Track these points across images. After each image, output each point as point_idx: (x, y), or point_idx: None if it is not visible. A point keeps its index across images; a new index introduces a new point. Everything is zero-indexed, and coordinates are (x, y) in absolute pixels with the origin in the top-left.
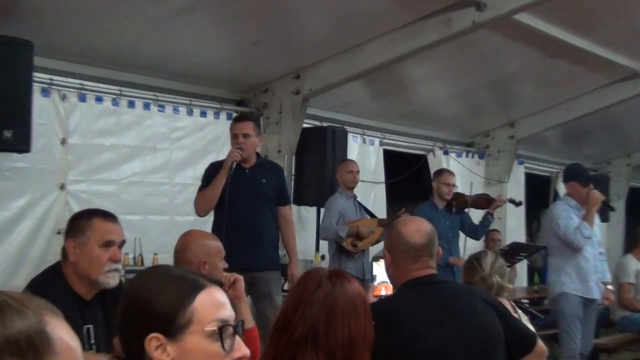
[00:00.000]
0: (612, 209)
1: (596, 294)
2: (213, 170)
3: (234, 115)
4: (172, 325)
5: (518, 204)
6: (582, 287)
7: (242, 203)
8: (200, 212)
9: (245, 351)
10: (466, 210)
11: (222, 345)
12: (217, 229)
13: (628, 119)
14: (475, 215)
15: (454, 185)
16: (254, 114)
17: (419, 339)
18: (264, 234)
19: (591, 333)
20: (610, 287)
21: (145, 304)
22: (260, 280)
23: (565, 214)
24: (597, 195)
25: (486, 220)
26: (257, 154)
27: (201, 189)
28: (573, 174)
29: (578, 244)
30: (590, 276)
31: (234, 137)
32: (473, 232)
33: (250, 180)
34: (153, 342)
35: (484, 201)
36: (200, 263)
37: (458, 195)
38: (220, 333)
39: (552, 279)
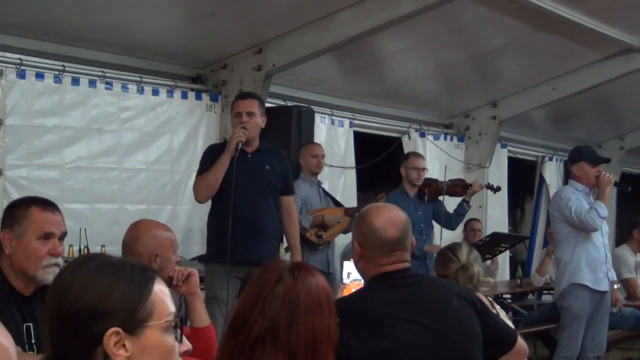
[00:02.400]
0: (626, 190)
1: (605, 287)
2: (212, 154)
3: (190, 93)
4: (132, 319)
5: (496, 190)
6: (592, 277)
7: (244, 191)
8: (201, 198)
9: (189, 345)
10: (440, 198)
11: (176, 338)
12: (214, 217)
13: (621, 98)
14: (451, 203)
15: (423, 169)
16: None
17: (388, 337)
18: (266, 226)
19: (604, 331)
20: (617, 286)
21: (98, 300)
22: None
23: (575, 196)
24: (607, 176)
25: (461, 208)
26: (261, 138)
27: (200, 173)
28: (581, 154)
29: (594, 224)
30: (600, 266)
31: (237, 115)
32: (448, 221)
33: (252, 166)
34: (113, 337)
35: (459, 188)
36: (151, 255)
37: (431, 182)
38: (175, 326)
39: (560, 272)
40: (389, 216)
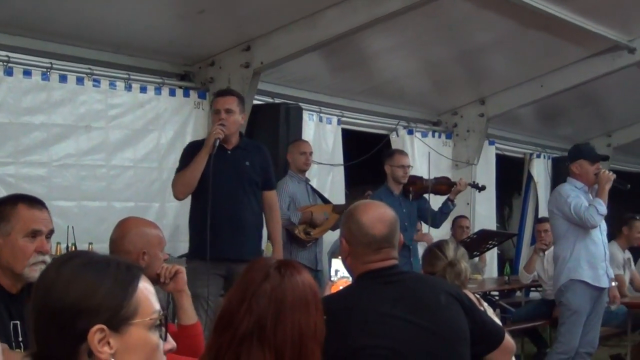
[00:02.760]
0: (625, 188)
1: (605, 283)
2: (192, 150)
3: (177, 90)
4: (117, 317)
5: (481, 189)
6: (592, 274)
7: (224, 188)
8: (179, 194)
9: (173, 343)
10: (425, 196)
11: (161, 336)
12: (194, 214)
13: (608, 95)
14: (436, 201)
15: (409, 167)
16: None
17: (376, 335)
18: (247, 222)
19: (597, 328)
20: (614, 283)
21: (83, 297)
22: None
23: (574, 193)
24: (607, 174)
25: (446, 207)
26: (240, 134)
27: (179, 170)
28: (580, 152)
29: (593, 221)
30: (599, 262)
31: (216, 112)
32: (432, 219)
33: (232, 162)
34: (97, 334)
35: (444, 186)
36: (139, 253)
37: (415, 180)
38: (160, 324)
39: (559, 268)
40: (377, 213)
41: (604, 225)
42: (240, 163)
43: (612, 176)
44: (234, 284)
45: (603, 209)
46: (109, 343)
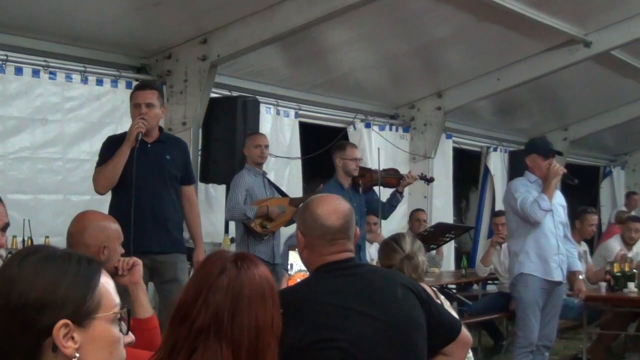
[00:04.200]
0: (574, 182)
1: (558, 276)
2: (112, 145)
3: (134, 83)
4: (81, 311)
5: (429, 181)
6: (542, 267)
7: (145, 181)
8: (101, 189)
9: (132, 337)
10: (375, 188)
11: (121, 330)
12: (116, 208)
13: (565, 89)
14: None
15: (360, 159)
16: (157, 83)
17: (332, 328)
18: (168, 216)
19: (554, 322)
20: (581, 277)
21: (46, 292)
22: (164, 265)
23: (524, 188)
24: (557, 168)
25: (395, 199)
26: (160, 128)
27: (99, 164)
28: (534, 146)
29: (535, 217)
30: (551, 256)
31: (136, 106)
32: (381, 211)
33: (153, 156)
34: (62, 329)
35: (393, 179)
36: (99, 247)
37: (365, 172)
38: (121, 318)
39: (511, 263)
40: (332, 205)
41: (560, 219)
42: (161, 157)
43: (561, 171)
44: (191, 276)
45: (546, 204)
46: (73, 338)
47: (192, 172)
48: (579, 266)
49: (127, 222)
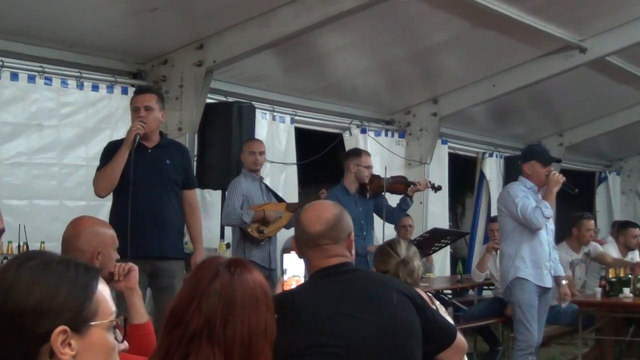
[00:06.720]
0: (573, 192)
1: (549, 283)
2: (113, 149)
3: (130, 89)
4: (79, 318)
5: (437, 189)
6: (536, 273)
7: (145, 186)
8: (101, 192)
9: (126, 344)
10: (382, 194)
11: (116, 338)
12: (116, 212)
13: (560, 95)
14: (392, 200)
15: (372, 167)
16: (157, 88)
17: (327, 333)
18: (168, 220)
19: (541, 326)
20: (564, 282)
21: (45, 298)
22: (163, 271)
23: (523, 194)
24: (557, 176)
25: (405, 203)
26: (161, 133)
27: (99, 168)
28: (533, 153)
29: (538, 223)
30: (543, 262)
31: (135, 110)
32: (390, 216)
33: (153, 161)
34: (60, 336)
35: (401, 186)
36: (94, 253)
37: (374, 178)
38: (116, 325)
39: (505, 266)
40: (315, 212)
41: (550, 226)
42: (161, 161)
43: (562, 179)
44: (184, 282)
45: (548, 211)
46: (70, 344)
47: (194, 176)
48: (562, 271)
49: (125, 226)
